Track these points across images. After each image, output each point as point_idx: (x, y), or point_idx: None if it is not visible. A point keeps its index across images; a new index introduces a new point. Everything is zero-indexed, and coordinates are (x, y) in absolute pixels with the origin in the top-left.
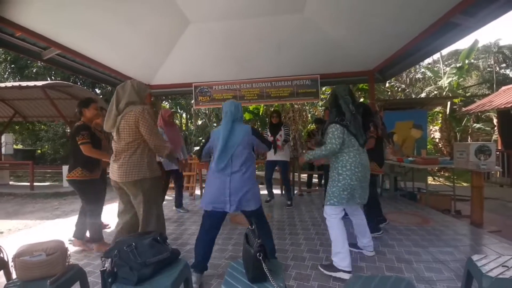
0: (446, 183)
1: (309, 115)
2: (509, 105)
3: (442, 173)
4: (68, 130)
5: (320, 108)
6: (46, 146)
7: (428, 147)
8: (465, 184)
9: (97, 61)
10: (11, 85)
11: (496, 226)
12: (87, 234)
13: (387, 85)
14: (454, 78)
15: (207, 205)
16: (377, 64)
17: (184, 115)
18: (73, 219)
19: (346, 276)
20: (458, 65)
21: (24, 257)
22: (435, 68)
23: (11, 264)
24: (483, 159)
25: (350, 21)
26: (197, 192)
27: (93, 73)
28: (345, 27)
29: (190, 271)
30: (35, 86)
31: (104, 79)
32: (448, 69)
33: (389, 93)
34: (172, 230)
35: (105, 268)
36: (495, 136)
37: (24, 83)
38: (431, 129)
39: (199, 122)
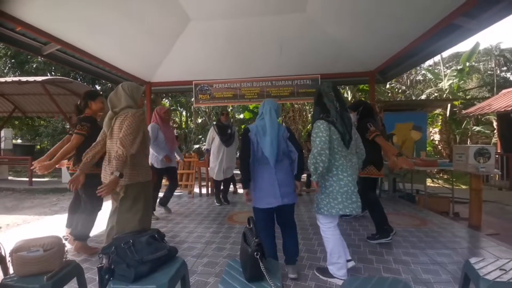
0: (445, 186)
1: (309, 115)
2: (509, 109)
3: (441, 175)
4: (68, 126)
5: None
6: (46, 142)
7: (427, 149)
8: (464, 187)
9: (97, 57)
10: (11, 80)
11: (494, 229)
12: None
13: (387, 86)
14: (454, 80)
15: (260, 203)
16: (378, 65)
17: (184, 113)
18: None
19: (341, 282)
20: (459, 67)
21: (21, 252)
22: (436, 70)
23: (8, 259)
24: (482, 162)
25: (352, 21)
26: (196, 190)
27: (93, 69)
28: (347, 27)
29: (187, 269)
30: (35, 81)
31: (104, 76)
32: (449, 71)
33: (390, 94)
34: (169, 228)
35: (102, 264)
36: (495, 139)
37: (24, 78)
38: (431, 131)
39: (199, 120)
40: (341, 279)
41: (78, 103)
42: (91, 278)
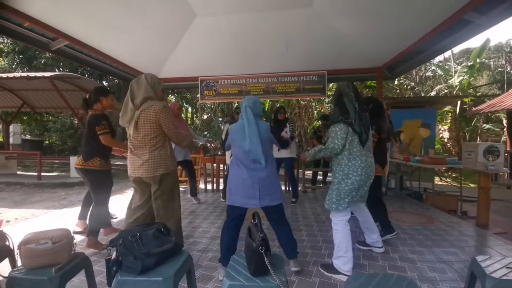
0: (454, 184)
1: (315, 111)
2: None
3: (449, 173)
4: (76, 122)
5: (326, 105)
6: (54, 137)
7: (436, 146)
8: (472, 185)
9: (104, 53)
10: (19, 76)
11: (502, 228)
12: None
13: (395, 82)
14: (465, 77)
15: (236, 201)
16: (386, 61)
17: (189, 109)
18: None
19: (345, 278)
20: (469, 63)
21: (30, 245)
22: (446, 66)
23: (16, 252)
24: (491, 160)
25: (360, 16)
26: (201, 186)
27: (101, 65)
28: (354, 22)
29: (193, 263)
30: (43, 77)
31: (111, 71)
32: (459, 67)
33: (398, 91)
34: None
35: (110, 256)
36: (504, 137)
37: (32, 74)
38: (440, 129)
39: (205, 117)
40: (346, 275)
41: (87, 97)
42: (99, 270)
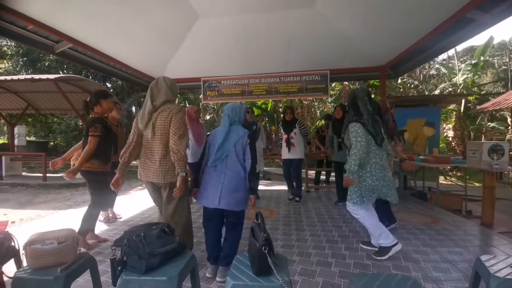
0: (458, 183)
1: (318, 111)
2: None
3: (454, 172)
4: (80, 123)
5: (329, 105)
6: (59, 138)
7: (440, 145)
8: (477, 184)
9: (108, 55)
10: (23, 78)
11: (506, 227)
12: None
13: (399, 81)
14: (469, 75)
15: (201, 201)
16: (389, 60)
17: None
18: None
19: (398, 247)
20: (473, 61)
21: (35, 245)
22: (450, 65)
23: (22, 252)
24: (496, 159)
25: (363, 15)
26: None
27: (104, 67)
28: (357, 22)
29: (196, 262)
30: (47, 79)
31: (115, 73)
32: (463, 65)
33: (401, 89)
34: None
35: (115, 256)
36: (509, 135)
37: (36, 76)
38: (445, 127)
39: (208, 117)
40: (394, 244)
41: (88, 99)
42: (104, 270)
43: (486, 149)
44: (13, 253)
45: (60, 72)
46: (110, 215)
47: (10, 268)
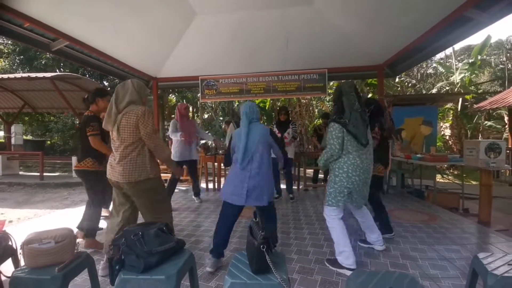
0: (455, 181)
1: (316, 110)
2: None
3: (451, 170)
4: (77, 122)
5: (327, 104)
6: (56, 137)
7: (438, 144)
8: (474, 183)
9: (104, 53)
10: (20, 76)
11: (503, 225)
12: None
13: (397, 80)
14: (466, 74)
15: (227, 197)
16: (387, 59)
17: (190, 108)
18: (82, 208)
19: (350, 273)
20: (470, 60)
21: (32, 244)
22: (447, 64)
23: (19, 251)
24: (493, 157)
25: (360, 13)
26: (203, 185)
27: (101, 65)
28: (355, 20)
29: (195, 261)
30: (44, 78)
31: (111, 71)
32: (460, 64)
33: (399, 88)
34: (177, 222)
35: (113, 255)
36: (506, 134)
37: (33, 74)
38: (442, 126)
39: (205, 116)
40: (350, 268)
41: (86, 97)
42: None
43: (483, 147)
44: (11, 253)
45: (57, 70)
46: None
47: (7, 268)
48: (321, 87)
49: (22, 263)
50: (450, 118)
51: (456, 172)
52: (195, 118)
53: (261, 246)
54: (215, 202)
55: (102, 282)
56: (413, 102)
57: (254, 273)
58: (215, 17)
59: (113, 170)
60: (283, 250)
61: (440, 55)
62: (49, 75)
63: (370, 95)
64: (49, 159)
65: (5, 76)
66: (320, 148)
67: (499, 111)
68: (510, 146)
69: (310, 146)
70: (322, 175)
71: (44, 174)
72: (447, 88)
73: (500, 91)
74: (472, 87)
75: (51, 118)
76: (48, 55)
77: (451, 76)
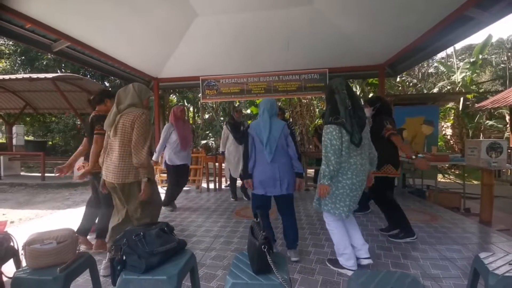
0: (457, 181)
1: (317, 109)
2: None
3: (452, 170)
4: (79, 123)
5: None
6: (57, 138)
7: (439, 143)
8: (476, 182)
9: (106, 54)
10: (21, 77)
11: (505, 224)
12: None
13: (398, 79)
14: (467, 73)
15: (259, 190)
16: (388, 58)
17: (191, 108)
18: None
19: (351, 273)
20: (471, 60)
21: (34, 245)
22: (449, 63)
23: (21, 252)
24: (494, 157)
25: (361, 13)
26: (204, 185)
27: (103, 66)
28: (355, 20)
29: (196, 262)
30: (45, 78)
31: (113, 72)
32: (461, 64)
33: (400, 88)
34: (178, 222)
35: (114, 256)
36: (507, 133)
37: (34, 75)
38: (443, 126)
39: (206, 116)
40: (350, 269)
41: (92, 98)
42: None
43: (485, 147)
44: (12, 253)
45: (58, 71)
46: None
47: (9, 268)
48: (322, 87)
49: (23, 263)
50: (452, 118)
51: (457, 172)
52: (196, 118)
53: (262, 247)
54: (216, 202)
55: (103, 283)
56: (414, 102)
57: (255, 273)
58: (216, 17)
59: (107, 170)
60: (284, 250)
61: (441, 54)
62: (51, 76)
63: (371, 95)
64: (50, 160)
65: (7, 76)
66: (321, 149)
67: (501, 110)
68: (511, 146)
69: (311, 146)
70: None
71: (46, 174)
72: (448, 87)
73: (501, 91)
74: (473, 86)
75: (53, 118)
76: (49, 56)
77: (452, 75)
